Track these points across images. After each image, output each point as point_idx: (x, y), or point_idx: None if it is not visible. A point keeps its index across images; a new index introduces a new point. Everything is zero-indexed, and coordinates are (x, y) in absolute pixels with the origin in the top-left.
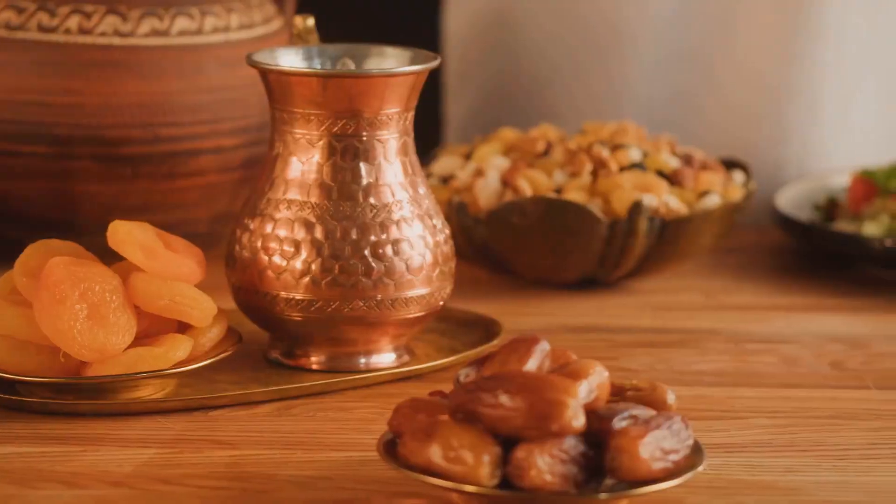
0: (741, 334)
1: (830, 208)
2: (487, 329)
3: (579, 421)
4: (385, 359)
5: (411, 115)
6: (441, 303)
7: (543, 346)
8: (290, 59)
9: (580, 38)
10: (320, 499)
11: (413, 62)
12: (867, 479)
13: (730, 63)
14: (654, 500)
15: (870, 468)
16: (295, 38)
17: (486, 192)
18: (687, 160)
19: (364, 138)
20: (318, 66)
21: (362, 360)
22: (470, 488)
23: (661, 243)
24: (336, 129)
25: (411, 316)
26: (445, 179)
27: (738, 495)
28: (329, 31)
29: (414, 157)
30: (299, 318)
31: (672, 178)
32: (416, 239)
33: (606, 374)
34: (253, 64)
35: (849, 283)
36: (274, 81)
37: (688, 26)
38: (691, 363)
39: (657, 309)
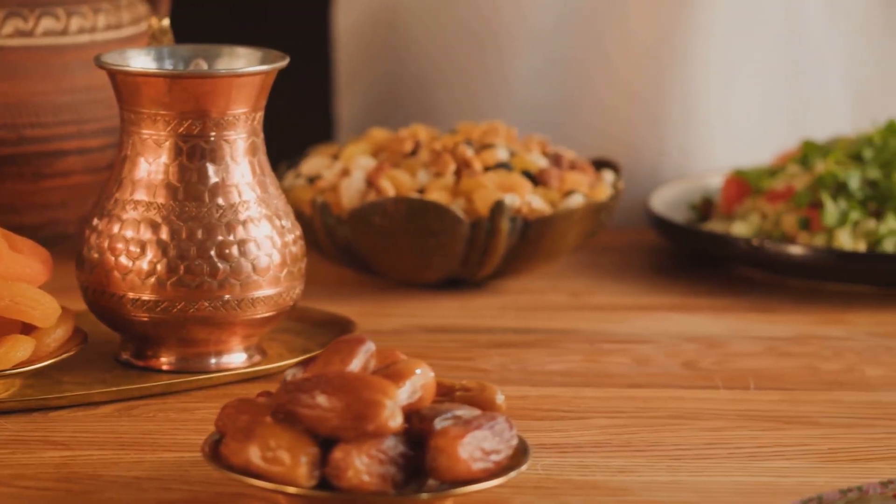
0: (599, 334)
1: (705, 208)
2: (343, 329)
3: (396, 421)
4: (235, 359)
5: (260, 115)
6: (291, 303)
7: (368, 347)
8: (140, 60)
9: (462, 41)
10: (144, 499)
11: (262, 62)
12: (699, 480)
13: (607, 65)
14: (479, 501)
15: (703, 468)
16: (149, 39)
17: (350, 192)
18: (556, 160)
19: (211, 139)
20: (169, 67)
21: (213, 361)
22: (288, 489)
23: (524, 243)
24: (182, 129)
25: (259, 316)
26: (312, 179)
27: (564, 496)
28: (214, 32)
29: (263, 158)
30: (146, 319)
31: (538, 178)
32: (263, 239)
33: (432, 374)
34: (100, 65)
35: (717, 283)
36: (121, 82)
37: (567, 31)
38: (545, 363)
39: (521, 309)
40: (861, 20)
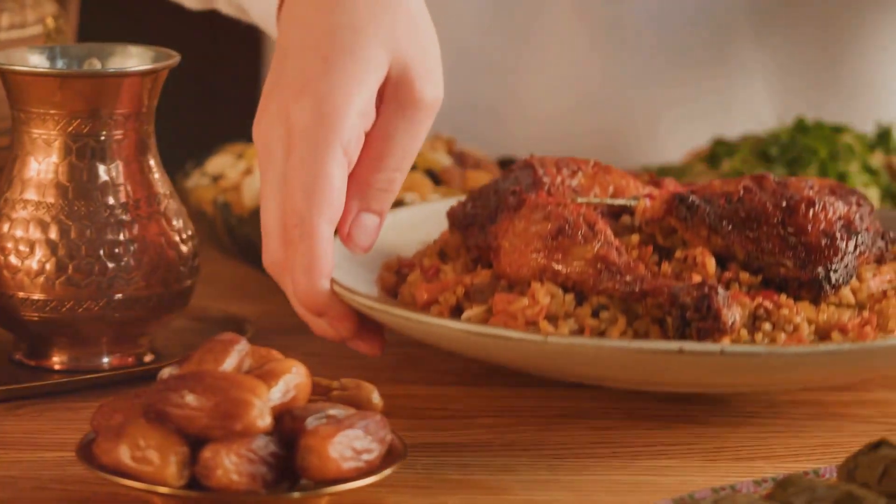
0: None
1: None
2: (239, 328)
3: (265, 420)
4: (129, 359)
5: (151, 114)
6: (184, 302)
7: (242, 346)
8: (33, 59)
9: None
10: (18, 498)
11: (154, 62)
12: (577, 479)
13: (534, 66)
14: (353, 500)
15: (584, 467)
16: (45, 38)
17: (252, 192)
18: (460, 159)
19: (101, 138)
20: (62, 67)
21: (104, 360)
22: (157, 489)
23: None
24: (71, 128)
25: (151, 315)
26: (216, 178)
27: (441, 495)
28: (138, 30)
29: (154, 157)
30: (37, 318)
31: (440, 177)
32: (152, 238)
33: (307, 373)
34: None
35: None
36: (10, 81)
37: (488, 32)
38: (437, 362)
39: None
40: (786, 26)
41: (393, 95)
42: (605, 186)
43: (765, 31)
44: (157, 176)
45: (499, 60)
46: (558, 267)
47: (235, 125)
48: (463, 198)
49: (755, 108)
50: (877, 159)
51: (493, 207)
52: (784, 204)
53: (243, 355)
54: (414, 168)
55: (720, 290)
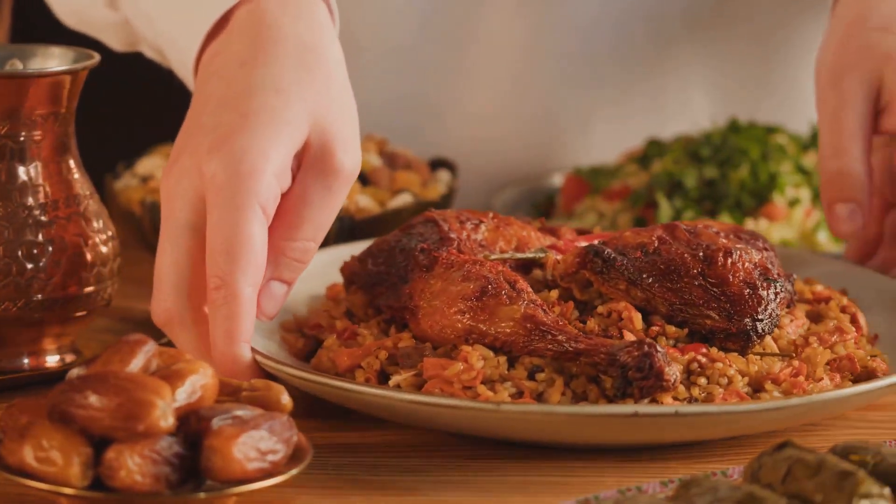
0: None
1: (547, 207)
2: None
3: (167, 421)
4: (49, 359)
5: (71, 115)
6: (103, 303)
7: (150, 347)
8: None
9: None
10: None
11: (75, 62)
12: (489, 479)
13: (467, 69)
14: (260, 501)
15: (496, 467)
16: None
17: None
18: (390, 160)
19: (20, 139)
20: None
21: (25, 361)
22: (61, 489)
23: (353, 242)
24: None
25: (70, 316)
26: (145, 179)
27: (350, 495)
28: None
29: (75, 158)
30: None
31: (368, 178)
32: (71, 239)
33: (213, 374)
34: None
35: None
36: None
37: (427, 37)
38: None
39: None
40: (721, 26)
41: (312, 162)
42: (508, 239)
43: (700, 32)
44: (76, 177)
45: (435, 61)
46: (485, 328)
47: (168, 127)
48: (355, 253)
49: (693, 110)
50: (810, 160)
51: (401, 266)
52: (701, 254)
53: (150, 356)
54: None
55: (658, 347)
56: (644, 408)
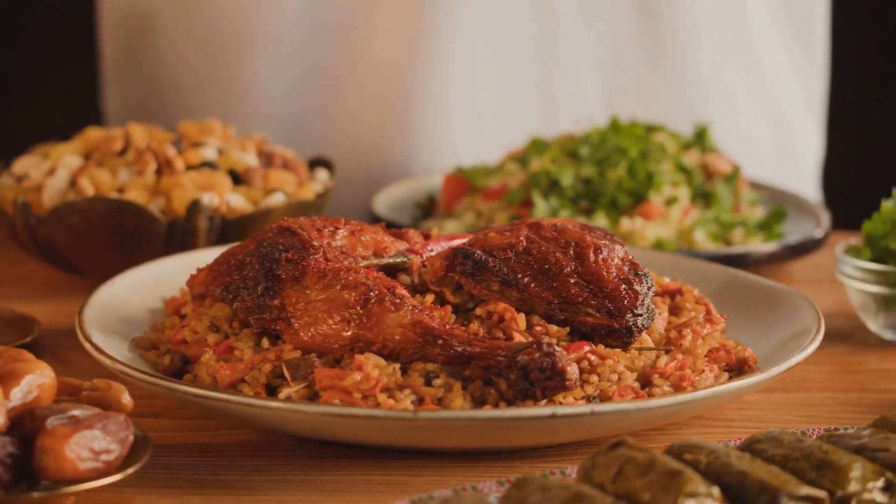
0: None
1: (429, 207)
2: (28, 327)
3: None
4: None
5: None
6: None
7: None
8: None
9: (218, 50)
10: None
11: None
12: (332, 479)
13: (356, 74)
14: (98, 500)
15: (340, 467)
16: None
17: (52, 192)
18: (268, 159)
19: None
20: None
21: None
22: None
23: (224, 241)
24: None
25: None
26: (21, 178)
27: (189, 495)
28: None
29: None
30: None
31: (242, 177)
32: None
33: (52, 374)
34: None
35: None
36: None
37: (317, 43)
38: None
39: None
40: (613, 21)
41: None
42: (365, 245)
43: (593, 23)
44: None
45: (321, 62)
46: (373, 336)
47: (49, 126)
48: (186, 264)
49: (586, 107)
50: (692, 158)
51: (260, 276)
52: (571, 252)
53: None
54: (216, 168)
55: (557, 347)
56: (561, 409)
